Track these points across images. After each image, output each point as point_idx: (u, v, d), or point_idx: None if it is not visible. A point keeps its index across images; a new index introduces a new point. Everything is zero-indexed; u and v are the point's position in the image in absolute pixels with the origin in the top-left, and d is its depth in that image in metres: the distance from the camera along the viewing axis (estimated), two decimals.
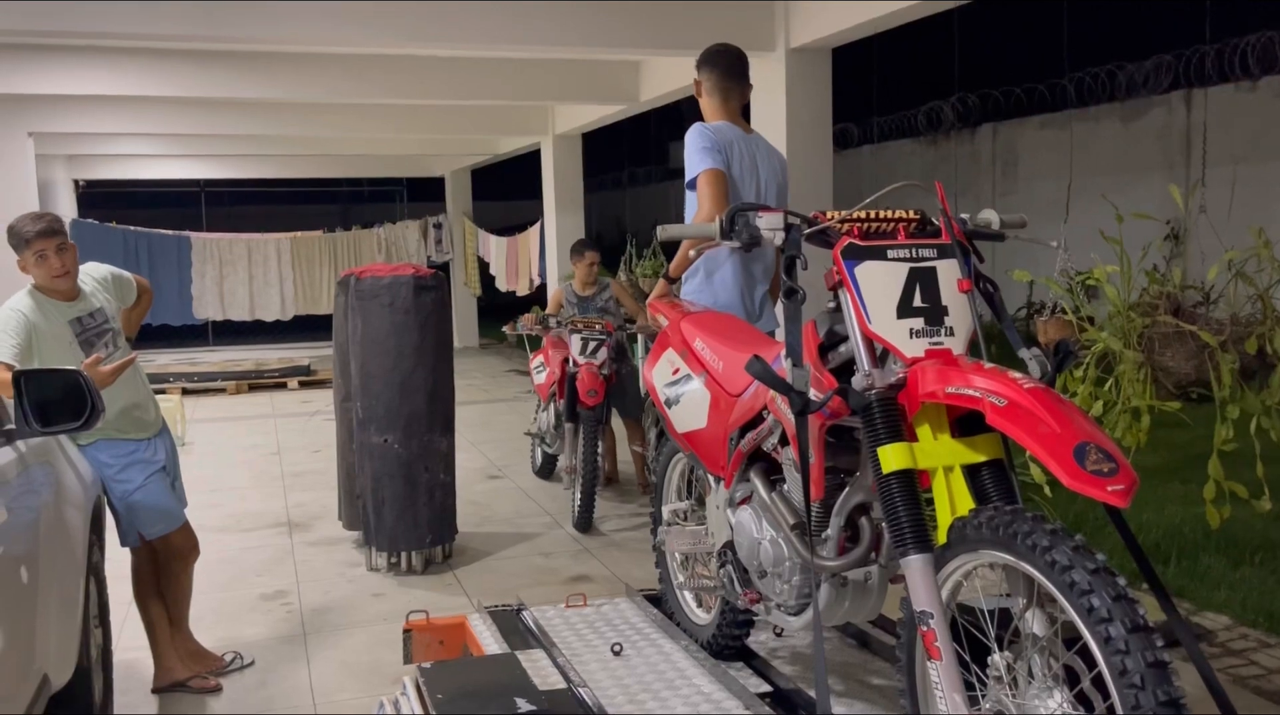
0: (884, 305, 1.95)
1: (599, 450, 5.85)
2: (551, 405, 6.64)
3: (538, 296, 11.74)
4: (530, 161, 15.26)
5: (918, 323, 1.94)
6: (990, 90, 14.36)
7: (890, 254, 1.98)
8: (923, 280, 1.97)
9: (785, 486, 2.36)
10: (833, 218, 2.07)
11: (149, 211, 16.82)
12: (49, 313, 3.63)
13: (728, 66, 3.60)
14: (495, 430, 9.21)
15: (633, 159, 24.80)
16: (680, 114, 21.93)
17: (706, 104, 3.63)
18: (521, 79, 8.25)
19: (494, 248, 13.93)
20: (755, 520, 2.40)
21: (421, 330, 5.17)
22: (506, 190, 22.30)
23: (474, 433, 8.80)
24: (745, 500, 2.49)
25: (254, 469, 7.98)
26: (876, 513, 2.15)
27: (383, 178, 18.03)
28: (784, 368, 2.04)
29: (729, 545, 2.55)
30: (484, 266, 14.80)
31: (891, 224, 2.08)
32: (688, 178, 3.44)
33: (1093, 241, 4.85)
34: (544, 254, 11.60)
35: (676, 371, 2.74)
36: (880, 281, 1.96)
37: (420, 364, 5.18)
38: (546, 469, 7.22)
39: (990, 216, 2.17)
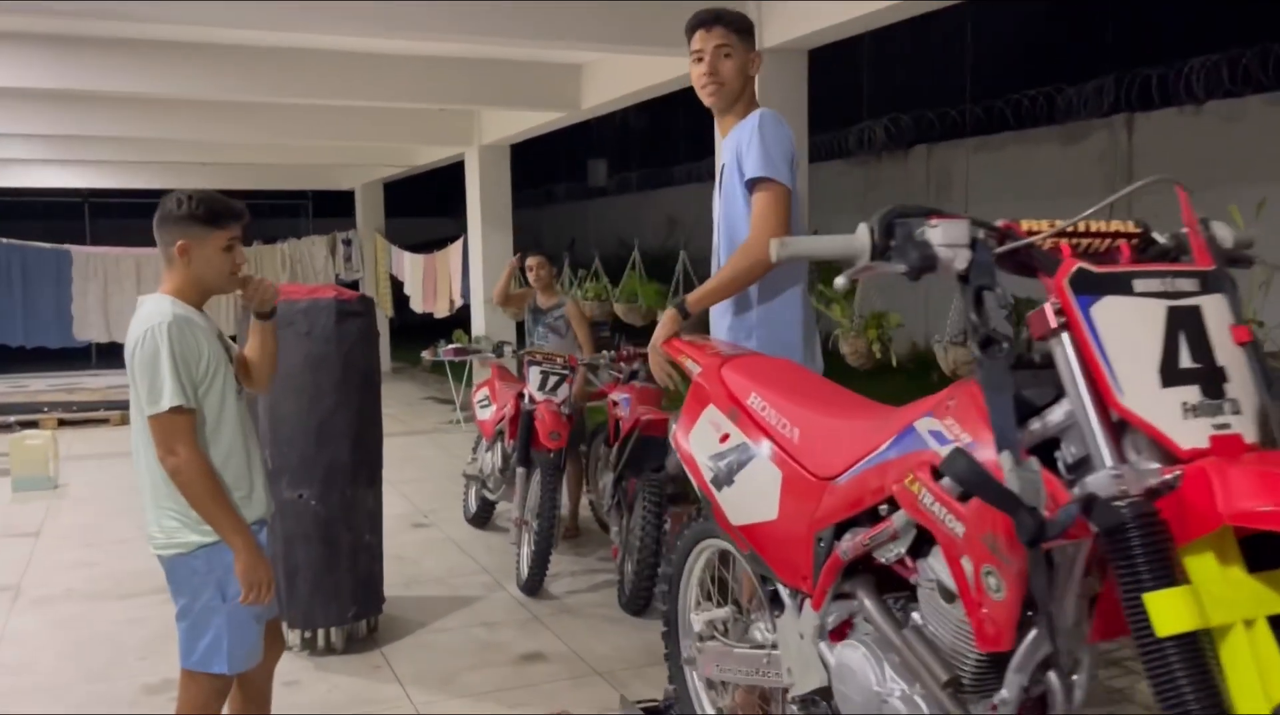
0: (1141, 366, 1.27)
1: (558, 502, 5.07)
2: (498, 445, 5.85)
3: (460, 320, 10.89)
4: (445, 176, 14.37)
5: (1192, 394, 1.26)
6: (924, 111, 14.06)
7: (1138, 286, 1.30)
8: (1187, 327, 1.29)
9: (921, 618, 1.65)
10: (1035, 230, 1.38)
11: (25, 224, 15.35)
12: (204, 332, 2.68)
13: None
14: (417, 467, 8.33)
15: (551, 176, 24.07)
16: (592, 132, 21.16)
17: (747, 89, 2.93)
18: (448, 80, 7.46)
19: (409, 266, 13.00)
20: (873, 664, 1.68)
21: (345, 364, 4.34)
22: (419, 207, 21.33)
23: (393, 471, 7.84)
24: (843, 627, 1.78)
25: (138, 517, 6.92)
26: (1070, 665, 1.45)
27: (286, 190, 16.87)
28: (985, 460, 1.33)
29: (823, 694, 1.82)
30: (397, 286, 13.84)
31: (1109, 240, 1.40)
32: (756, 172, 2.71)
33: None
34: (467, 273, 10.76)
35: (725, 438, 2.01)
36: (1130, 328, 1.28)
37: (343, 404, 4.35)
38: (482, 516, 6.40)
39: (1228, 232, 1.51)
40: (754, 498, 1.91)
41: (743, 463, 1.93)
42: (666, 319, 2.65)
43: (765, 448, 1.90)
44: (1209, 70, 10.33)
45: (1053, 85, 12.18)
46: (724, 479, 1.98)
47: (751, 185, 2.72)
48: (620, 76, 7.08)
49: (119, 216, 18.85)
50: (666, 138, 21.79)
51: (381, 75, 7.23)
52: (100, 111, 8.38)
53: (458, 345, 10.26)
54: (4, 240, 12.31)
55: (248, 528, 2.70)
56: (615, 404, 5.52)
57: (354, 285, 14.40)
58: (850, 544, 1.72)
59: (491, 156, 9.90)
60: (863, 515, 1.70)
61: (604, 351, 5.81)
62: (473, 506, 6.46)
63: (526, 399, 5.48)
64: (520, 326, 9.82)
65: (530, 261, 6.38)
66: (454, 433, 9.94)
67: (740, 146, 2.80)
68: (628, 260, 8.35)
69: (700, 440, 2.06)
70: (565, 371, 5.49)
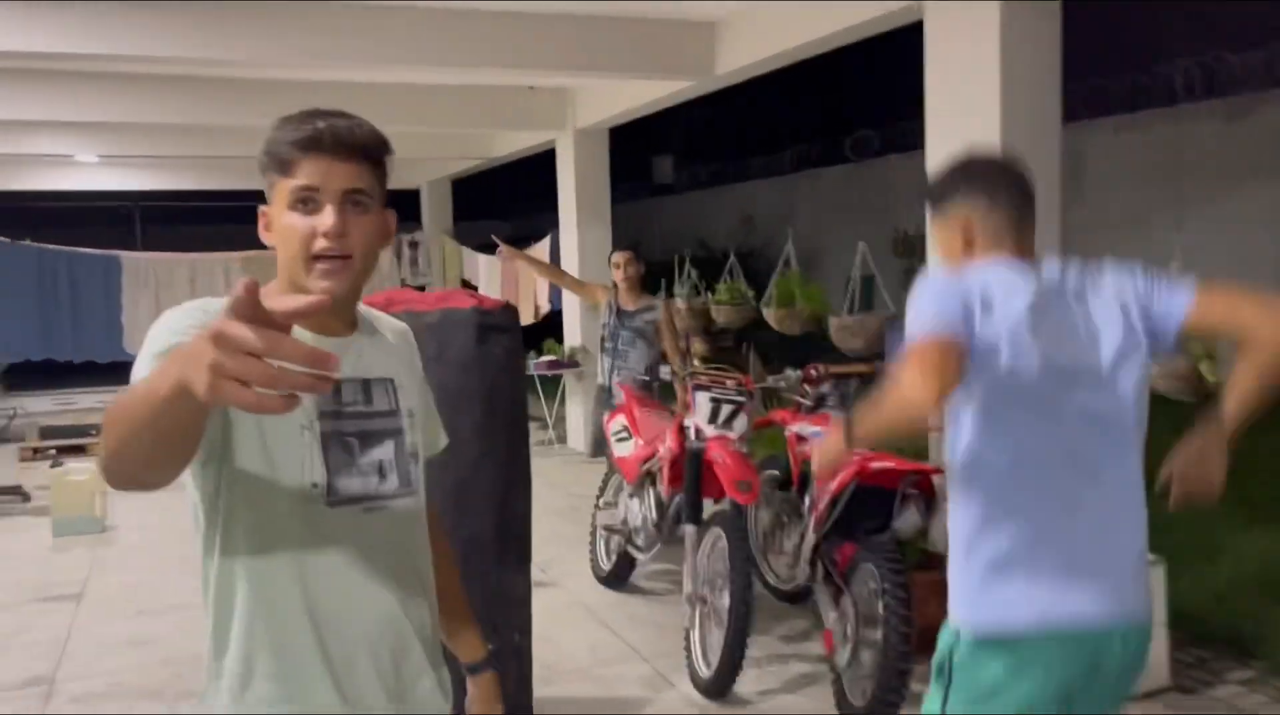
0: None
1: (752, 576, 3.81)
2: (648, 491, 4.63)
3: (551, 327, 9.68)
4: (511, 173, 13.15)
5: None
6: None
7: None
8: None
9: None
10: None
11: (72, 232, 14.39)
12: None
13: (992, 191, 2.00)
14: None
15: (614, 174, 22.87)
16: (654, 126, 19.89)
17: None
18: (546, 44, 6.18)
19: (484, 269, 11.83)
20: None
21: (489, 399, 3.13)
22: (476, 209, 20.17)
23: None
24: None
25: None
26: None
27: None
28: None
29: None
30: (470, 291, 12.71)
31: None
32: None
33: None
34: None
35: None
36: None
37: (487, 455, 3.13)
38: (619, 575, 5.17)
39: None
40: None
41: None
42: (836, 433, 2.03)
43: None
44: None
45: (1211, 54, 10.73)
46: None
47: None
48: (764, 32, 5.82)
49: (170, 222, 17.91)
50: (739, 128, 20.55)
51: (464, 39, 6.00)
52: (145, 92, 7.30)
53: (551, 357, 9.09)
54: (49, 247, 11.34)
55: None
56: (801, 440, 4.27)
57: (420, 290, 13.29)
58: None
59: (588, 142, 8.68)
60: None
61: (787, 371, 4.55)
62: (605, 563, 5.23)
63: (692, 433, 4.25)
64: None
65: (617, 258, 5.62)
66: (550, 456, 8.72)
67: None
68: (704, 260, 7.22)
69: None
70: (742, 398, 4.26)
